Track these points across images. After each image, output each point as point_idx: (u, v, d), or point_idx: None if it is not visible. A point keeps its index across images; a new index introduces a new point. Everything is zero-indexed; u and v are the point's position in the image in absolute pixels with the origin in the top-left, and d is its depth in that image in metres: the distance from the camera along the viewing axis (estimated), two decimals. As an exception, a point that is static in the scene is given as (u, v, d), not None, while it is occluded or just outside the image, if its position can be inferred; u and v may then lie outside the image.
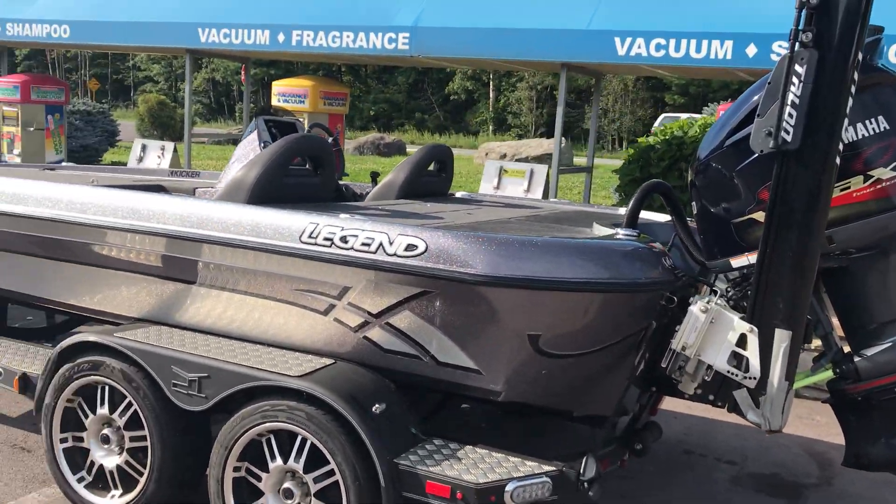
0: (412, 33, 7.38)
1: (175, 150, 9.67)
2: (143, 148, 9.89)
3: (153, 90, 52.94)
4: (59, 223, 3.69)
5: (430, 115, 50.49)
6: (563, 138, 7.94)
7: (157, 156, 9.90)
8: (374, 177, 5.38)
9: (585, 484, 2.93)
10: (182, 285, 3.54)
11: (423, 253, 2.89)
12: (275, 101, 9.32)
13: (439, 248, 2.88)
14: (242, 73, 32.20)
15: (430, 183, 4.80)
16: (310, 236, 3.10)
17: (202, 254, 3.41)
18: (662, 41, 6.49)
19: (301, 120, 5.14)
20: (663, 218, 4.18)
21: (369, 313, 3.11)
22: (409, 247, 2.92)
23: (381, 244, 2.97)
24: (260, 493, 3.13)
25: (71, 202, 3.65)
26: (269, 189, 3.65)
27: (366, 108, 50.36)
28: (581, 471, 2.93)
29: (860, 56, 2.66)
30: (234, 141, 27.59)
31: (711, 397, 3.14)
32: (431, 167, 4.82)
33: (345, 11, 7.83)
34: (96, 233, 3.63)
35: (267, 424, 3.03)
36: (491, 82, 47.94)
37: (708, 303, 2.89)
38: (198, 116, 45.05)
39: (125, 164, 12.64)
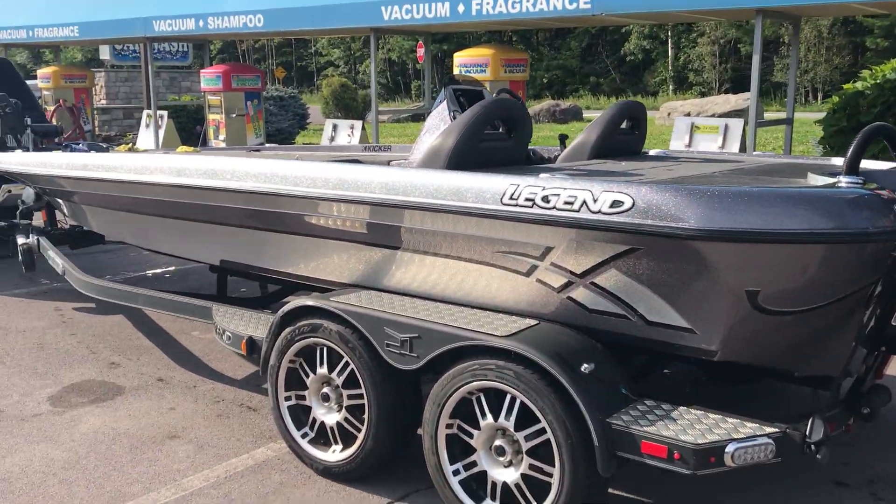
0: (594, -9, 7.20)
1: (363, 127, 10.03)
2: (334, 128, 10.35)
3: (334, 74, 55.30)
4: (276, 197, 3.93)
5: (606, 79, 49.27)
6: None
7: (346, 134, 10.34)
8: (563, 139, 5.32)
9: (812, 447, 2.76)
10: (388, 251, 3.68)
11: (629, 209, 2.82)
12: (456, 72, 9.43)
13: (647, 202, 2.79)
14: (419, 49, 32.84)
15: (624, 141, 4.68)
16: (511, 198, 3.11)
17: (405, 220, 3.52)
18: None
19: (485, 87, 5.14)
20: (886, 165, 3.84)
21: (573, 273, 3.09)
22: (615, 203, 2.85)
23: (584, 202, 2.93)
24: (471, 450, 3.21)
25: (285, 177, 3.88)
26: (467, 154, 3.69)
27: (539, 75, 49.87)
28: (807, 432, 2.76)
29: None
30: (413, 117, 28.31)
31: None
32: (624, 125, 4.69)
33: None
34: (309, 204, 3.84)
35: (477, 383, 3.09)
36: (669, 40, 46.01)
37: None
38: (378, 97, 46.53)
39: (318, 144, 13.31)
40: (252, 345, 3.95)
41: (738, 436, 2.73)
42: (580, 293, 3.10)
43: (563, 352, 2.97)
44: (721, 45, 43.56)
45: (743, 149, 7.23)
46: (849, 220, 2.70)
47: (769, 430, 2.76)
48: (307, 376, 3.71)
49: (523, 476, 3.06)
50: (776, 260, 2.70)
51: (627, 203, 2.83)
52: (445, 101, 4.67)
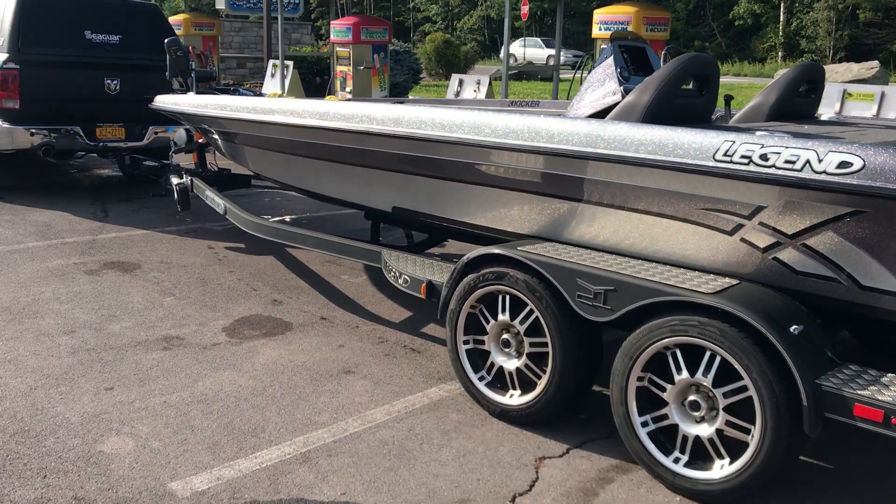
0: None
1: (490, 83, 10.02)
2: (460, 83, 10.36)
3: (432, 29, 55.17)
4: (459, 146, 4.00)
5: (711, 43, 47.59)
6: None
7: (472, 90, 10.35)
8: (728, 100, 5.22)
9: None
10: (574, 203, 3.71)
11: (859, 170, 2.77)
12: (595, 30, 9.29)
13: (879, 164, 2.74)
14: (523, 7, 32.37)
15: (800, 104, 4.57)
16: (725, 154, 3.09)
17: (600, 173, 3.54)
18: None
19: (647, 44, 5.07)
20: None
21: (783, 233, 3.06)
22: (843, 164, 2.81)
23: (807, 161, 2.89)
24: (660, 404, 3.25)
25: (473, 125, 3.93)
26: (663, 109, 3.68)
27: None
28: None
29: None
30: (517, 76, 28.03)
31: None
32: (803, 88, 4.57)
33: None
34: (494, 154, 3.90)
35: (675, 338, 3.12)
36: (782, 4, 43.99)
37: None
38: (476, 54, 46.20)
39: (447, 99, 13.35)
40: (432, 288, 4.07)
41: (960, 406, 2.69)
42: (787, 254, 3.08)
43: (772, 311, 2.97)
44: (839, 10, 41.41)
45: (902, 118, 6.93)
46: None
47: None
48: (487, 322, 3.81)
49: (718, 431, 3.09)
50: None
51: (857, 164, 2.78)
52: (612, 58, 4.63)
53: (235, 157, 6.17)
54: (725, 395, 3.05)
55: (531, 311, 3.61)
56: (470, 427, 3.71)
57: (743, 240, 3.18)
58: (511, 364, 3.75)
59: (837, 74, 22.78)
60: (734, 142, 3.08)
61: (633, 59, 4.83)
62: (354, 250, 4.78)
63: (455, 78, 10.46)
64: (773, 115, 4.40)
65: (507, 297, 3.71)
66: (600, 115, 4.15)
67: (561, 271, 3.46)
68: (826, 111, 7.38)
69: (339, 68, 11.52)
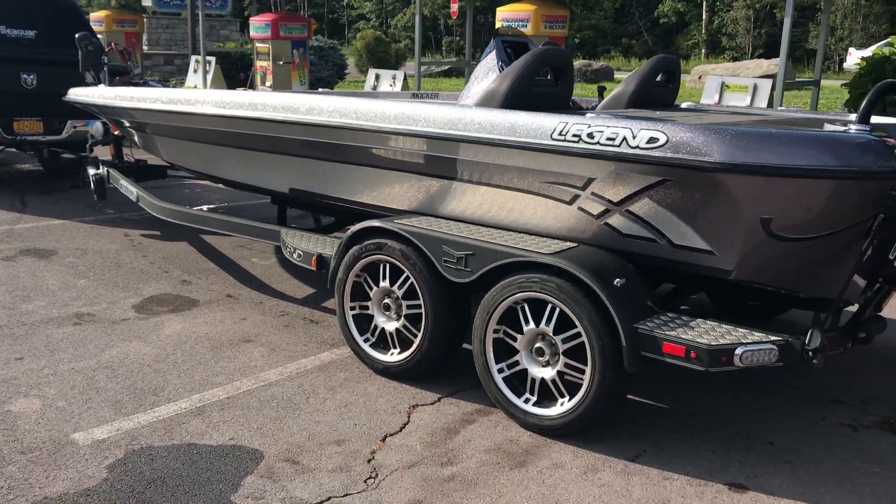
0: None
1: (405, 78, 10.43)
2: (377, 77, 10.75)
3: (366, 27, 55.30)
4: (347, 130, 4.40)
5: (638, 40, 48.89)
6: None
7: (388, 84, 10.75)
8: (601, 91, 5.74)
9: (810, 353, 3.24)
10: (445, 181, 4.16)
11: (664, 144, 3.27)
12: (498, 25, 9.78)
13: (679, 139, 3.24)
14: (453, 5, 32.85)
15: (658, 93, 5.09)
16: (560, 133, 3.57)
17: (463, 152, 3.99)
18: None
19: (531, 40, 5.55)
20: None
21: (611, 202, 3.55)
22: (651, 139, 3.31)
23: (624, 138, 3.38)
24: (513, 352, 3.72)
25: (357, 112, 4.34)
26: (519, 96, 4.15)
27: (571, 35, 49.56)
28: (807, 341, 3.24)
29: None
30: (446, 73, 28.50)
31: None
32: (659, 78, 5.10)
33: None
34: (377, 138, 4.31)
35: (522, 294, 3.59)
36: (704, 3, 45.50)
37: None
38: (408, 51, 46.61)
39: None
40: (322, 261, 4.48)
41: (747, 341, 3.21)
42: (616, 219, 3.58)
43: (599, 268, 3.46)
44: (756, 9, 43.05)
45: (771, 108, 7.58)
46: (855, 160, 3.14)
47: (774, 338, 3.24)
48: (370, 289, 4.23)
49: (559, 373, 3.57)
50: (789, 192, 3.15)
51: (662, 140, 3.28)
52: (493, 52, 5.09)
53: (148, 148, 6.45)
54: (564, 342, 3.53)
55: (407, 277, 4.04)
56: (354, 383, 4.13)
57: (580, 208, 3.67)
58: (391, 325, 4.18)
59: (749, 70, 23.90)
60: (567, 123, 3.56)
61: (516, 53, 5.28)
62: (256, 230, 5.15)
63: (372, 73, 10.84)
64: (633, 103, 4.91)
65: (387, 266, 4.13)
66: None
67: (429, 240, 3.90)
68: (707, 101, 8.01)
69: (259, 63, 11.79)
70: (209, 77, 12.21)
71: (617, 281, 3.41)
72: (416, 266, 3.95)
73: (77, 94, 6.82)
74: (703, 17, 46.11)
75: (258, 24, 11.75)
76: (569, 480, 3.27)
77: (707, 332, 3.29)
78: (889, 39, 8.17)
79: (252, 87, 11.91)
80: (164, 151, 6.13)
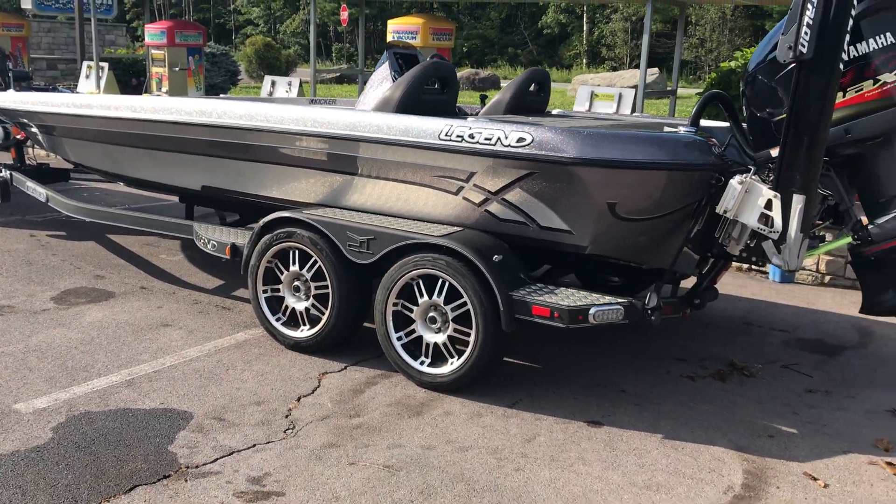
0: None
1: (300, 84, 10.89)
2: (273, 84, 11.14)
3: (254, 32, 54.89)
4: (257, 132, 4.90)
5: (524, 50, 50.60)
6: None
7: (284, 90, 11.17)
8: (483, 98, 6.44)
9: (649, 311, 4.01)
10: (347, 176, 4.73)
11: (530, 143, 3.97)
12: (389, 38, 10.40)
13: (542, 139, 3.94)
14: (343, 13, 33.25)
15: (532, 101, 5.82)
16: (445, 134, 4.21)
17: (363, 151, 4.57)
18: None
19: (420, 52, 6.20)
20: (723, 124, 5.10)
21: (489, 192, 4.22)
22: (520, 139, 3.99)
23: (498, 138, 4.06)
24: (410, 322, 4.33)
25: (266, 115, 4.86)
26: (411, 103, 4.77)
27: (458, 44, 50.82)
28: (646, 302, 4.00)
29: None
30: (338, 79, 28.88)
31: (753, 258, 4.14)
32: (532, 88, 5.83)
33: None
34: (284, 138, 4.83)
35: (417, 271, 4.21)
36: (585, 15, 47.62)
37: (744, 177, 3.86)
38: (298, 57, 46.62)
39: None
40: (235, 249, 4.97)
41: (598, 303, 3.94)
42: (494, 207, 4.25)
43: (481, 247, 4.12)
44: (633, 22, 45.38)
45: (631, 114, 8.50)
46: (682, 155, 3.91)
47: (620, 300, 3.99)
48: (281, 273, 4.75)
49: (449, 337, 4.21)
50: (630, 181, 3.89)
51: (528, 139, 3.97)
52: (387, 63, 5.72)
53: (56, 150, 6.72)
54: (453, 310, 4.16)
55: (315, 262, 4.59)
56: (269, 357, 4.64)
57: (465, 198, 4.32)
58: (301, 305, 4.72)
59: (625, 80, 25.44)
60: (451, 125, 4.21)
61: (407, 64, 5.90)
62: (169, 225, 5.57)
63: (268, 79, 11.20)
64: (509, 109, 5.61)
65: (297, 252, 4.67)
66: None
67: (335, 227, 4.47)
68: (578, 108, 8.86)
69: (154, 69, 11.99)
70: (102, 83, 12.28)
71: (496, 257, 4.08)
72: (323, 251, 4.51)
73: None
74: (584, 28, 48.22)
75: (154, 31, 11.94)
76: (458, 424, 3.90)
77: (567, 297, 4.00)
78: (736, 54, 9.27)
79: (147, 92, 12.07)
80: (76, 154, 6.42)
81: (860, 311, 4.30)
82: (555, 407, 4.14)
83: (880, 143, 4.00)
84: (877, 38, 3.87)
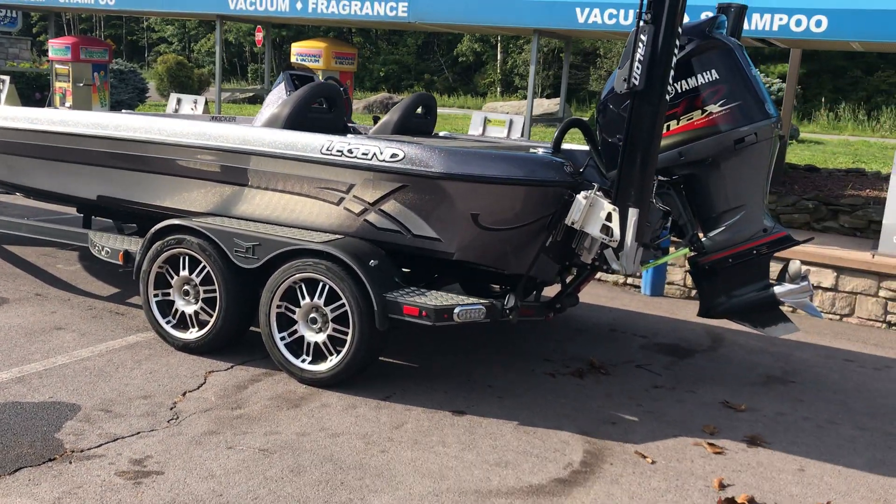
0: (410, 2, 8.80)
1: (206, 102, 11.09)
2: (178, 101, 11.31)
3: (167, 51, 54.14)
4: (153, 144, 5.17)
5: (439, 77, 51.51)
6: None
7: (190, 108, 11.35)
8: (376, 120, 6.85)
9: (507, 311, 4.46)
10: (236, 187, 5.04)
11: (402, 158, 4.38)
12: (293, 59, 10.74)
13: (412, 155, 4.36)
14: (258, 34, 33.28)
15: (418, 123, 6.26)
16: (326, 149, 4.59)
17: (251, 164, 4.90)
18: (614, 11, 7.89)
19: (317, 74, 6.57)
20: (583, 147, 5.64)
21: (367, 202, 4.61)
22: (394, 155, 4.41)
23: (374, 153, 4.46)
24: (293, 323, 4.66)
25: (161, 129, 5.13)
26: (298, 120, 5.13)
27: (376, 69, 51.41)
28: (505, 303, 4.45)
29: (681, 30, 4.11)
30: (251, 99, 28.92)
31: (602, 265, 4.65)
32: (419, 111, 6.28)
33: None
34: (178, 150, 5.12)
35: (300, 275, 4.55)
36: (499, 45, 48.94)
37: (588, 192, 4.36)
38: (211, 76, 46.18)
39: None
40: (128, 255, 5.20)
41: (462, 303, 4.37)
42: (372, 216, 4.64)
43: (359, 253, 4.49)
44: (545, 52, 46.88)
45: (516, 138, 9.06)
46: (537, 173, 4.39)
47: (483, 301, 4.43)
48: (171, 278, 5.01)
49: (329, 336, 4.56)
50: (491, 195, 4.35)
51: (401, 155, 4.39)
52: (283, 83, 6.07)
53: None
54: (332, 311, 4.52)
55: (204, 267, 4.87)
56: (158, 357, 4.89)
57: (345, 208, 4.70)
58: (190, 308, 4.99)
59: (532, 109, 26.25)
60: (332, 141, 4.59)
61: (303, 84, 6.26)
62: (65, 234, 5.76)
63: (173, 97, 11.38)
64: (397, 130, 6.04)
65: (187, 258, 4.94)
66: None
67: (223, 234, 4.77)
68: (472, 132, 9.38)
69: (58, 84, 11.97)
70: (2, 95, 12.18)
71: (372, 262, 4.47)
72: (211, 257, 4.80)
73: None
74: (498, 57, 49.53)
75: (58, 47, 11.94)
76: (333, 414, 4.25)
77: (436, 299, 4.41)
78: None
79: (51, 106, 12.02)
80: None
81: (698, 315, 4.86)
82: (425, 399, 4.53)
83: (710, 165, 4.57)
84: (704, 73, 4.46)
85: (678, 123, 4.52)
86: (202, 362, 4.84)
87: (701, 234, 4.76)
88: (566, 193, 4.49)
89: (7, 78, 12.79)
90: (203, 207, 5.23)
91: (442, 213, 4.43)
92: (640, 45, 4.09)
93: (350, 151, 4.54)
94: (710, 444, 4.23)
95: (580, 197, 4.34)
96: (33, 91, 14.50)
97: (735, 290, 4.69)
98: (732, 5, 4.77)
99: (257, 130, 4.91)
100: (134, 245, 5.28)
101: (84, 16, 60.36)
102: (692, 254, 4.77)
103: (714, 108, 4.46)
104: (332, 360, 4.54)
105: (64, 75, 11.77)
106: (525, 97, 43.43)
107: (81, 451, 3.64)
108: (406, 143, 4.48)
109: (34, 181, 6.09)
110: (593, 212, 4.34)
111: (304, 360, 4.64)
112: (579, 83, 47.98)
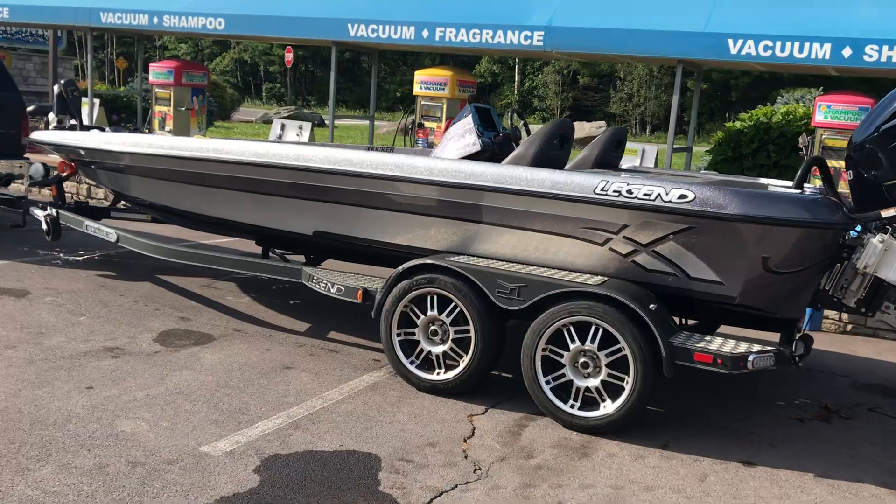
0: (547, 31, 8.74)
1: (312, 128, 11.01)
2: (283, 126, 11.23)
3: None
4: (390, 181, 5.04)
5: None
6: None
7: (295, 134, 11.27)
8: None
9: (796, 357, 4.34)
10: (478, 225, 4.92)
11: (692, 200, 4.28)
12: (416, 89, 10.65)
13: (703, 197, 4.26)
14: (287, 54, 33.23)
15: (613, 157, 6.17)
16: (602, 189, 4.48)
17: (501, 202, 4.78)
18: (769, 42, 7.85)
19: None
20: (815, 186, 5.54)
21: (639, 243, 4.50)
22: (682, 196, 4.30)
23: (659, 194, 4.36)
24: (559, 366, 4.53)
25: (403, 165, 5.01)
26: (542, 158, 5.03)
27: (392, 89, 51.56)
28: (794, 349, 4.34)
29: None
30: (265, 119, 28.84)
31: (864, 309, 4.54)
32: (615, 145, 6.18)
33: (482, 11, 9.18)
34: (419, 188, 4.99)
35: (571, 318, 4.43)
36: (517, 66, 49.14)
37: (884, 236, 4.26)
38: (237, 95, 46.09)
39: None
40: (367, 294, 5.06)
41: (754, 350, 4.25)
42: (641, 257, 4.52)
43: (637, 296, 4.38)
44: (564, 74, 47.10)
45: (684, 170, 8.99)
46: (825, 216, 4.29)
47: (772, 348, 4.31)
48: (417, 318, 4.88)
49: (602, 382, 4.42)
50: (783, 237, 4.25)
51: (691, 196, 4.29)
52: (470, 116, 5.96)
53: (127, 189, 6.62)
54: (607, 356, 4.39)
55: (455, 306, 4.74)
56: (410, 399, 4.74)
57: (611, 248, 4.58)
58: (438, 349, 4.85)
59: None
60: (608, 181, 4.49)
61: (482, 117, 6.17)
62: (274, 269, 5.62)
63: (277, 122, 11.31)
64: (597, 164, 5.95)
65: (435, 297, 4.81)
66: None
67: (483, 274, 4.65)
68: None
69: (157, 108, 11.86)
70: (94, 118, 12.07)
71: (653, 305, 4.35)
72: (467, 297, 4.67)
73: (51, 137, 6.88)
74: (516, 79, 49.70)
75: (160, 70, 11.84)
76: (626, 464, 4.11)
77: (723, 345, 4.29)
78: (742, 115, 9.96)
79: (149, 131, 11.92)
80: (153, 194, 6.35)
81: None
82: (701, 447, 4.40)
83: None
84: None
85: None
86: (456, 405, 4.70)
87: None
88: (842, 236, 4.41)
89: (97, 101, 12.70)
90: (441, 245, 5.11)
91: (729, 256, 4.33)
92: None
93: (630, 192, 4.43)
94: None
95: (875, 241, 4.24)
96: (110, 113, 14.40)
97: None
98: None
99: (501, 168, 4.80)
100: (371, 283, 5.14)
101: (95, 33, 60.47)
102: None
103: None
104: (608, 407, 4.41)
105: (165, 99, 11.67)
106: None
107: (420, 507, 3.50)
108: (692, 184, 4.38)
109: (232, 215, 5.92)
110: (889, 256, 4.24)
111: (572, 406, 4.50)
112: (595, 105, 48.20)
